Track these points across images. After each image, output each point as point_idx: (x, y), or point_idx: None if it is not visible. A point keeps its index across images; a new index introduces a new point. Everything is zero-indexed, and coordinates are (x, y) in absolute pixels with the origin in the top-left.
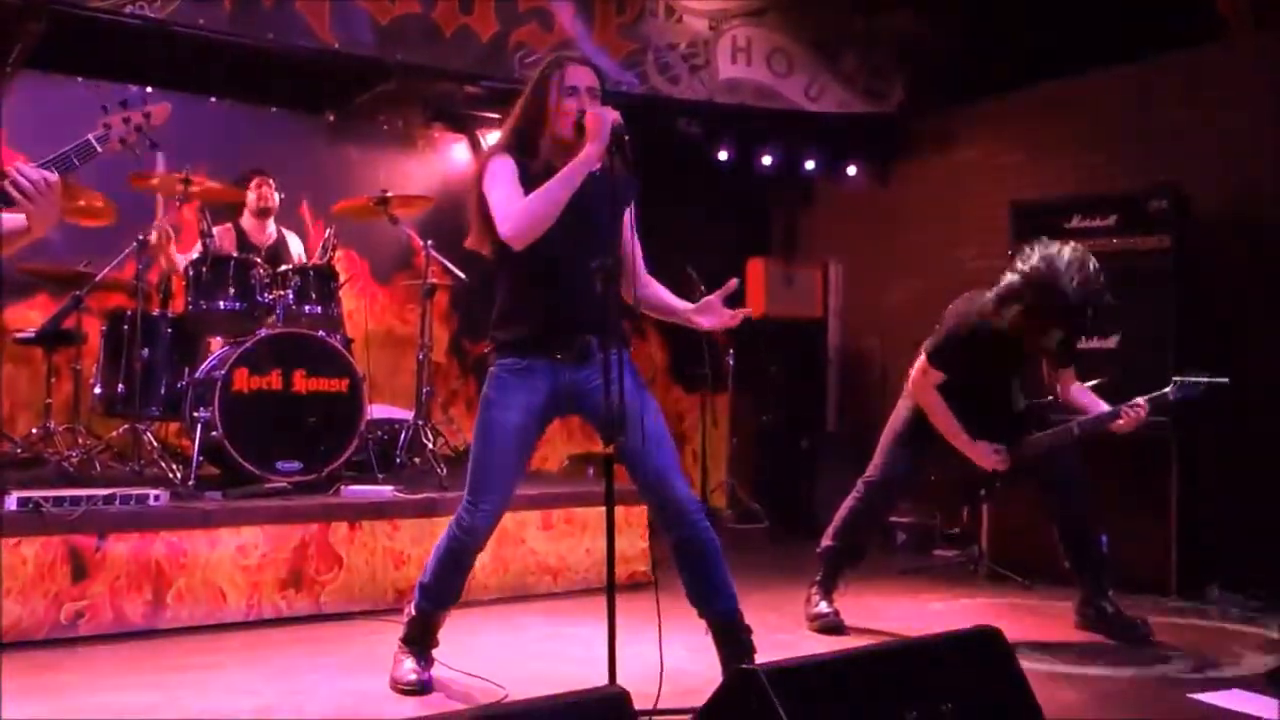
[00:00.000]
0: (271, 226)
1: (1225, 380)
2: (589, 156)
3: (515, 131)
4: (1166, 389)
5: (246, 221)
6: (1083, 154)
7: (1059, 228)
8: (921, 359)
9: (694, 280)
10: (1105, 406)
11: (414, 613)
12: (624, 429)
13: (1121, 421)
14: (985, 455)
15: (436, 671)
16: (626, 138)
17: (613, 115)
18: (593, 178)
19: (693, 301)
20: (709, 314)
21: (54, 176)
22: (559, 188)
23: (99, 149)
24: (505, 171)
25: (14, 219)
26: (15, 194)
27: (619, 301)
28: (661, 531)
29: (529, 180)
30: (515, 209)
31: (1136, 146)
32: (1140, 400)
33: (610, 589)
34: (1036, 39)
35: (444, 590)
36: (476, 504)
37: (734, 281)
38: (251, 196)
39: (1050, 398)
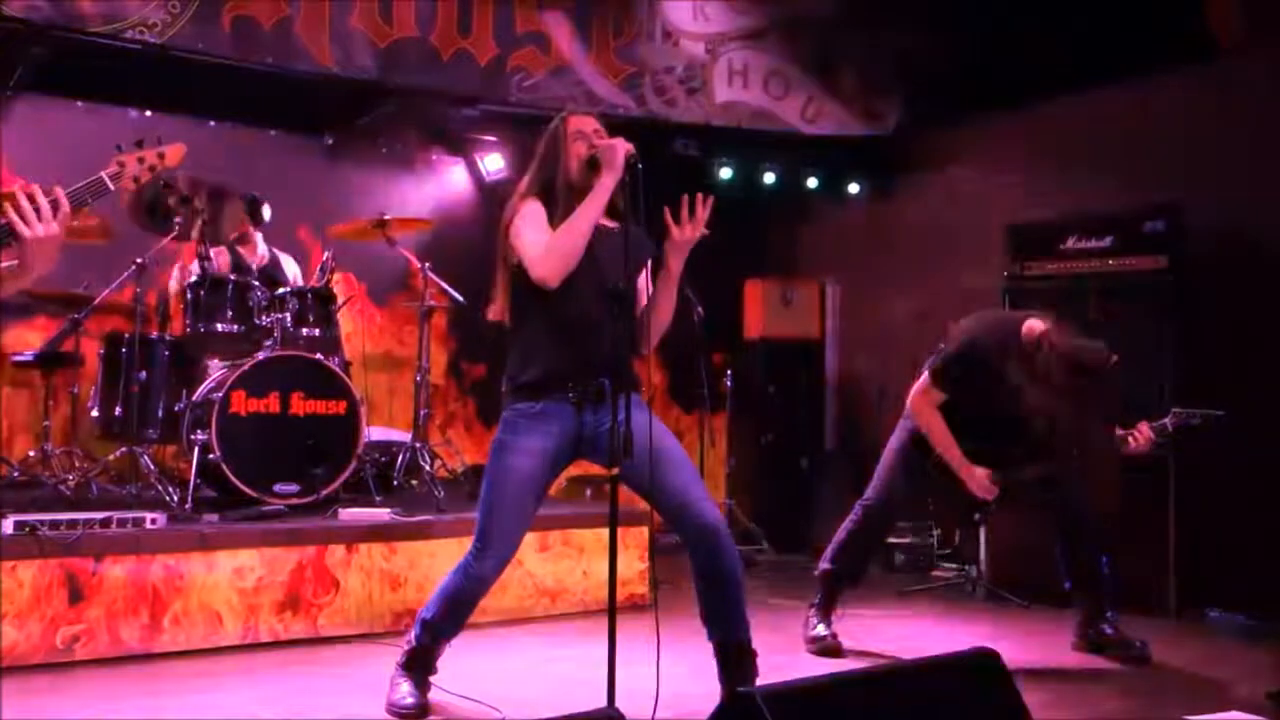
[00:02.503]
0: (263, 247)
1: (1221, 413)
2: (605, 186)
3: (536, 179)
4: (1165, 419)
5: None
6: (1079, 173)
7: (1055, 249)
8: (924, 378)
9: (691, 301)
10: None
11: (415, 644)
12: (630, 453)
13: (1131, 445)
14: (979, 483)
15: (433, 695)
16: (639, 166)
17: (626, 146)
18: (607, 233)
19: (693, 321)
20: (676, 243)
21: (65, 206)
22: (581, 218)
23: (111, 186)
24: (534, 216)
25: (8, 263)
26: (18, 221)
27: (630, 337)
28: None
29: (554, 223)
30: (545, 249)
31: (1132, 166)
32: (1144, 426)
33: (611, 611)
34: (1032, 59)
35: (447, 627)
36: (485, 552)
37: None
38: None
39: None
